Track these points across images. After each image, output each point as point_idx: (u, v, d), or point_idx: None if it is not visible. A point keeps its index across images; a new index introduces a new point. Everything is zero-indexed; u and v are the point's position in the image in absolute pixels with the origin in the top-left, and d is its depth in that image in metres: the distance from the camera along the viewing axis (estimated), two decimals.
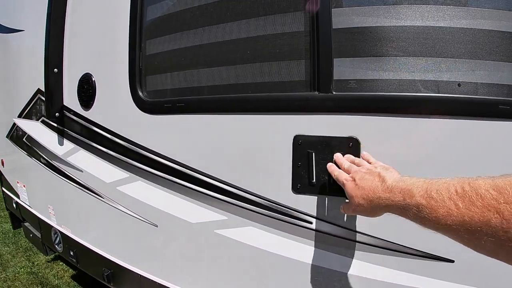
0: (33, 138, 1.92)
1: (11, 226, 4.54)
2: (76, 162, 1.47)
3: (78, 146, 1.43)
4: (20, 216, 2.58)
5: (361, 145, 0.78)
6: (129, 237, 1.33)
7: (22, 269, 3.42)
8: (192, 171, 1.01)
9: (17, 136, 2.20)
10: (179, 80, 0.99)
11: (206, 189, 1.00)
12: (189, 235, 1.08)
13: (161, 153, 1.07)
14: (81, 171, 1.45)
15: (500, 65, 0.69)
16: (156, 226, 1.17)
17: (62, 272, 3.40)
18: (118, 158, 1.21)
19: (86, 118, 1.32)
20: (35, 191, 2.15)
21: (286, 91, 0.84)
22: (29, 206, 2.29)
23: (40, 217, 2.13)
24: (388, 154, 0.75)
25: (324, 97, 0.78)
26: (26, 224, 2.55)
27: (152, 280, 1.31)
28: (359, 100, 0.76)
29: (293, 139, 0.83)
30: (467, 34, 0.69)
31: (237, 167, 0.95)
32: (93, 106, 1.28)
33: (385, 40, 0.74)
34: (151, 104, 1.06)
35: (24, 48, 2.03)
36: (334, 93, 0.78)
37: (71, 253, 1.87)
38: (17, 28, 2.08)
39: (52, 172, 1.73)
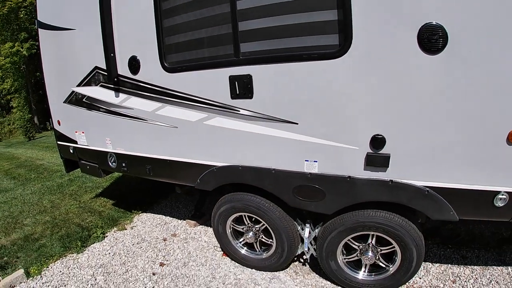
0: (93, 98, 3.15)
1: (53, 183, 5.97)
2: (129, 104, 2.73)
3: (129, 95, 2.69)
4: (76, 158, 3.86)
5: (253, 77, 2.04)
6: (162, 139, 2.63)
7: (72, 206, 4.73)
8: (189, 96, 2.29)
9: (76, 99, 3.41)
10: (182, 56, 2.25)
11: (197, 103, 2.28)
12: (192, 127, 2.38)
13: (176, 89, 2.34)
14: (132, 109, 2.71)
15: None
16: (177, 127, 2.47)
17: (104, 203, 4.74)
18: (155, 97, 2.48)
19: (135, 79, 2.57)
20: (94, 133, 3.40)
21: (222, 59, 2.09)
22: (87, 146, 3.55)
23: (98, 149, 3.40)
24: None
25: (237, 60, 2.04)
26: (83, 162, 3.83)
27: (176, 160, 2.62)
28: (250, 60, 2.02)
29: (229, 77, 2.10)
30: None
31: (212, 92, 2.22)
32: (139, 73, 2.53)
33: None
34: (169, 69, 2.32)
35: (76, 41, 3.17)
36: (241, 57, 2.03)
37: (123, 165, 3.18)
38: (68, 27, 3.22)
39: (110, 115, 2.99)
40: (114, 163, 3.29)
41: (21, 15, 16.34)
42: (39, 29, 3.69)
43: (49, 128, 18.93)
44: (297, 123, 2.02)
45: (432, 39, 1.63)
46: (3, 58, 16.65)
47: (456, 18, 1.58)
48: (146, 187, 5.08)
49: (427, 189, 1.85)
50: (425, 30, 1.63)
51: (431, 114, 1.72)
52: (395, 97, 1.76)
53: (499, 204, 1.76)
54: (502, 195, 1.74)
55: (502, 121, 1.63)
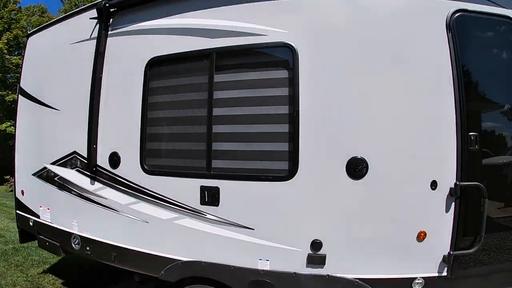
0: (66, 179, 3.29)
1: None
2: (103, 194, 2.91)
3: (105, 186, 2.89)
4: (35, 232, 3.79)
5: (220, 189, 2.38)
6: (133, 231, 2.79)
7: (19, 278, 4.46)
8: (163, 197, 2.55)
9: (47, 176, 3.51)
10: (161, 162, 2.57)
11: (170, 204, 2.54)
12: (162, 224, 2.60)
13: (152, 189, 2.60)
14: (106, 198, 2.89)
15: None
16: (148, 222, 2.67)
17: (53, 281, 4.50)
18: (131, 192, 2.70)
19: (113, 173, 2.81)
20: (60, 212, 3.44)
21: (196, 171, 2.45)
22: (51, 222, 3.56)
23: (62, 229, 3.42)
24: None
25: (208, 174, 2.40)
26: (42, 237, 3.76)
27: (144, 252, 2.76)
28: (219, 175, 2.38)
29: (200, 187, 2.43)
30: None
31: (185, 196, 2.50)
32: (118, 168, 2.78)
33: None
34: (148, 171, 2.61)
35: (59, 122, 3.39)
36: (212, 172, 2.40)
37: (87, 248, 3.21)
38: (53, 106, 3.45)
39: (81, 200, 3.12)
40: (77, 245, 3.30)
41: None
42: (19, 95, 3.89)
43: None
44: (253, 229, 2.36)
45: (357, 168, 2.15)
46: None
47: (375, 153, 2.14)
48: (97, 270, 4.87)
49: (357, 280, 2.19)
50: (352, 161, 2.15)
51: (358, 224, 2.19)
52: (330, 213, 2.23)
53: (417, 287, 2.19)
54: (419, 280, 2.16)
55: (412, 224, 2.16)
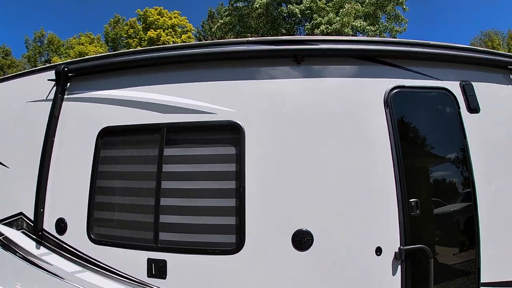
0: (11, 240, 3.14)
1: None
2: (48, 259, 2.80)
3: (51, 252, 2.79)
4: None
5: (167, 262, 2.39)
6: None
7: None
8: (110, 268, 2.51)
9: None
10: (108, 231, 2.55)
11: (116, 275, 2.49)
12: None
13: (99, 259, 2.55)
14: (51, 265, 2.79)
15: None
16: None
17: None
18: (77, 260, 2.63)
19: (60, 239, 2.73)
20: (3, 273, 3.26)
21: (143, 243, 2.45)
22: None
23: None
24: None
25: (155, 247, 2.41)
26: None
27: None
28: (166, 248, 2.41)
29: (147, 259, 2.43)
30: None
31: (131, 268, 2.47)
32: (64, 235, 2.71)
33: None
34: (95, 240, 2.57)
35: (7, 179, 3.28)
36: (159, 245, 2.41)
37: None
38: (4, 163, 3.35)
39: (26, 263, 2.98)
40: None
41: None
42: None
43: None
44: None
45: (302, 240, 2.25)
46: None
47: (320, 224, 2.27)
48: None
49: None
50: (298, 233, 2.27)
51: None
52: (279, 285, 2.30)
53: None
54: None
55: None
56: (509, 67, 2.79)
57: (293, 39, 2.60)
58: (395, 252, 2.30)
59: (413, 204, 2.35)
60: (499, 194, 2.61)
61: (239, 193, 2.31)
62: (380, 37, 14.21)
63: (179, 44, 2.92)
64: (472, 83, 2.62)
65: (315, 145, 2.37)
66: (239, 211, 2.30)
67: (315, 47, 2.47)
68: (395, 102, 2.43)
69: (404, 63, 2.52)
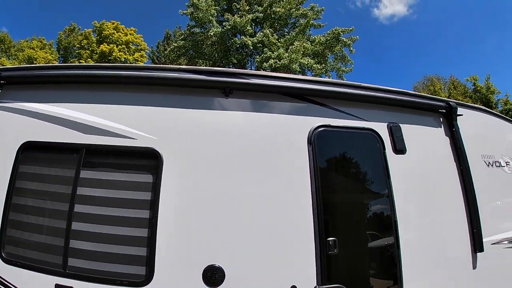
0: None
1: None
2: None
3: None
4: None
5: None
6: None
7: None
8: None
9: None
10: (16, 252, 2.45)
11: None
12: None
13: (7, 279, 2.45)
14: None
15: None
16: None
17: None
18: None
19: None
20: None
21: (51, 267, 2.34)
22: None
23: None
24: None
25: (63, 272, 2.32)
26: None
27: None
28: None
29: (55, 285, 2.34)
30: None
31: None
32: None
33: None
34: (6, 259, 2.47)
35: None
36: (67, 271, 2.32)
37: None
38: None
39: None
40: None
41: None
42: None
43: None
44: None
45: (213, 276, 2.20)
46: None
47: (233, 261, 2.21)
48: None
49: None
50: (209, 269, 2.20)
51: None
52: None
53: None
54: None
55: None
56: (439, 110, 2.83)
57: (224, 71, 2.54)
58: None
59: (331, 243, 2.34)
60: (421, 233, 2.64)
61: (152, 223, 2.24)
62: (327, 75, 14.83)
63: (108, 64, 2.83)
64: (401, 125, 2.64)
65: (234, 180, 2.32)
66: (150, 242, 2.22)
67: (245, 81, 2.43)
68: (319, 141, 2.41)
69: (332, 102, 2.51)
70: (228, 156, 2.35)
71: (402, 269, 2.54)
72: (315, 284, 2.28)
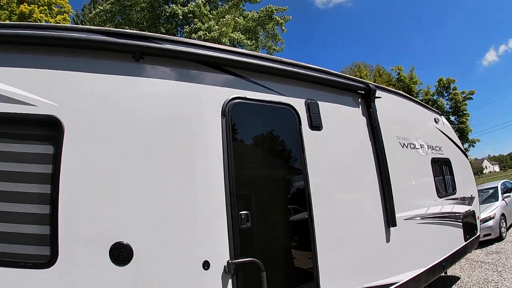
0: None
1: None
2: None
3: None
4: None
5: None
6: None
7: None
8: None
9: None
10: None
11: None
12: None
13: None
14: None
15: None
16: None
17: None
18: None
19: None
20: None
21: None
22: None
23: None
24: None
25: None
26: None
27: None
28: None
29: None
30: None
31: None
32: None
33: None
34: None
35: None
36: None
37: None
38: None
39: None
40: None
41: None
42: None
43: None
44: None
45: (120, 254, 2.10)
46: None
47: (141, 237, 2.13)
48: None
49: None
50: (115, 246, 2.10)
51: None
52: None
53: None
54: None
55: None
56: (358, 91, 2.99)
57: (135, 34, 2.36)
58: (224, 266, 2.27)
59: (243, 216, 2.35)
60: (334, 208, 2.77)
61: (53, 199, 2.07)
62: (256, 52, 15.14)
63: (6, 22, 2.54)
64: (319, 102, 2.72)
65: (142, 151, 2.22)
66: (52, 219, 2.06)
67: (158, 46, 2.30)
68: (233, 113, 2.40)
69: (249, 74, 2.49)
70: (136, 125, 2.22)
71: (316, 242, 2.64)
72: (228, 259, 2.28)
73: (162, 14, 14.99)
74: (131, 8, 15.40)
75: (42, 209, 2.09)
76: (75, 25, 2.47)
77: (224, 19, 13.42)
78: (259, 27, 15.29)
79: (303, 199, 2.61)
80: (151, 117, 2.26)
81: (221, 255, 2.27)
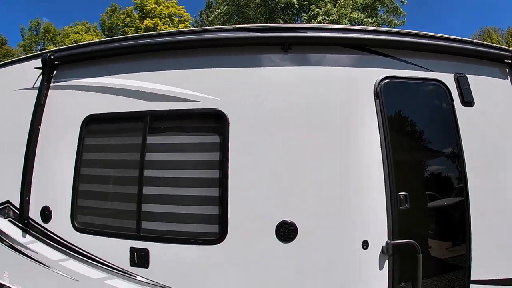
0: None
1: None
2: (34, 248, 2.79)
3: (36, 240, 2.78)
4: None
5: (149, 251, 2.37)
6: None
7: None
8: (93, 256, 2.49)
9: None
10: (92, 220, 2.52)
11: (99, 263, 2.48)
12: (92, 284, 2.52)
13: (82, 248, 2.53)
14: (37, 253, 2.78)
15: None
16: (78, 280, 2.58)
17: None
18: (61, 249, 2.62)
19: (45, 227, 2.71)
20: None
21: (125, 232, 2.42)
22: None
23: None
24: None
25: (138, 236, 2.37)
26: None
27: None
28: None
29: (130, 248, 2.40)
30: None
31: (114, 257, 2.45)
32: (49, 223, 2.69)
33: None
34: (79, 228, 2.55)
35: None
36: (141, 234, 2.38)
37: None
38: None
39: (13, 251, 2.97)
40: None
41: None
42: None
43: None
44: None
45: (286, 231, 2.20)
46: None
47: (305, 216, 2.22)
48: None
49: None
50: (281, 224, 2.22)
51: (291, 285, 2.24)
52: (261, 277, 2.26)
53: None
54: None
55: (346, 284, 2.25)
56: (505, 61, 2.70)
57: (281, 27, 2.52)
58: (382, 246, 2.26)
59: (402, 197, 2.30)
60: (491, 189, 2.55)
61: (222, 183, 2.27)
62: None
63: (163, 31, 2.86)
64: (467, 75, 2.54)
65: (301, 136, 2.31)
66: (222, 201, 2.26)
67: (303, 35, 2.39)
68: (386, 93, 2.36)
69: (396, 53, 2.43)
70: (293, 113, 2.34)
71: (471, 226, 2.47)
72: (386, 239, 2.25)
73: (277, 6, 15.28)
74: (246, 6, 16.07)
75: (213, 192, 2.30)
76: (223, 26, 2.70)
77: (341, 1, 13.10)
78: (377, 3, 14.69)
79: (459, 182, 2.46)
80: (306, 103, 2.36)
81: (380, 235, 2.26)
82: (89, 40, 23.93)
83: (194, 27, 26.87)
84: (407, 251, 2.28)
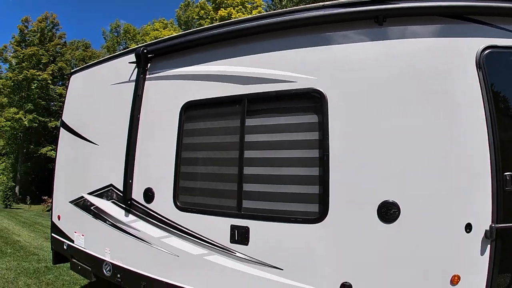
0: (102, 209, 3.48)
1: (29, 265, 5.91)
2: (136, 226, 3.06)
3: (138, 219, 3.04)
4: (68, 255, 3.98)
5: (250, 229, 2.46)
6: (163, 263, 2.90)
7: None
8: (195, 233, 2.66)
9: (84, 205, 3.72)
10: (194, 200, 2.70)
11: (200, 240, 2.64)
12: (192, 259, 2.69)
13: (184, 225, 2.72)
14: (139, 231, 3.04)
15: None
16: (178, 256, 2.77)
17: None
18: (163, 226, 2.84)
19: (147, 207, 2.96)
20: (94, 240, 3.62)
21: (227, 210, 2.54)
22: (84, 248, 3.73)
23: (95, 255, 3.58)
24: None
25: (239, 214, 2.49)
26: (75, 261, 3.95)
27: (174, 284, 2.84)
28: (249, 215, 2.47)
29: (230, 226, 2.52)
30: None
31: (215, 234, 2.59)
32: (152, 203, 2.93)
33: None
34: (181, 208, 2.74)
35: (97, 156, 3.63)
36: (242, 212, 2.49)
37: (118, 276, 3.34)
38: (92, 141, 3.71)
39: (115, 230, 3.28)
40: (109, 272, 3.44)
41: (33, 87, 17.50)
42: (61, 127, 4.20)
43: (27, 203, 18.54)
44: (282, 269, 2.39)
45: (388, 212, 2.16)
46: (5, 120, 17.23)
47: (407, 196, 2.16)
48: None
49: None
50: (383, 205, 2.18)
51: (389, 268, 2.18)
52: (361, 257, 2.23)
53: None
54: None
55: (446, 267, 2.13)
56: None
57: None
58: (486, 230, 2.12)
59: (508, 178, 2.13)
60: None
61: (323, 162, 2.29)
62: None
63: (253, 15, 2.95)
64: None
65: (400, 112, 2.25)
66: (323, 180, 2.28)
67: (397, 6, 2.30)
68: (489, 64, 2.19)
69: (495, 20, 2.25)
70: (391, 88, 2.28)
71: None
72: (490, 223, 2.10)
73: None
74: None
75: (313, 171, 2.33)
76: (312, 5, 2.69)
77: None
78: None
79: None
80: (405, 77, 2.29)
81: (484, 218, 2.12)
82: (168, 35, 25.38)
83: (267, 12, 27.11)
84: (511, 237, 2.12)
